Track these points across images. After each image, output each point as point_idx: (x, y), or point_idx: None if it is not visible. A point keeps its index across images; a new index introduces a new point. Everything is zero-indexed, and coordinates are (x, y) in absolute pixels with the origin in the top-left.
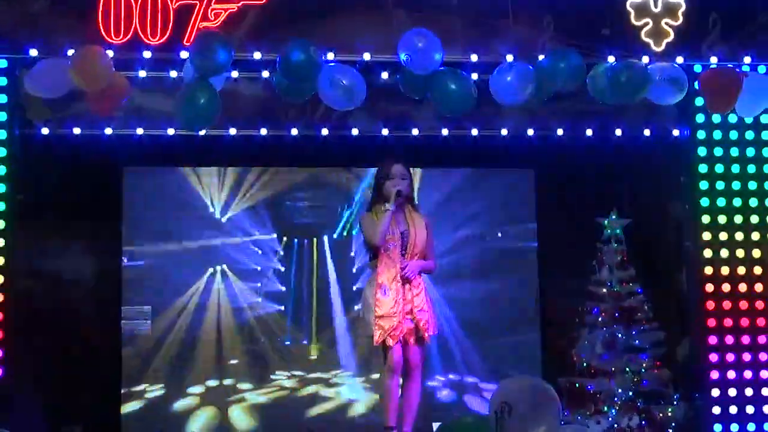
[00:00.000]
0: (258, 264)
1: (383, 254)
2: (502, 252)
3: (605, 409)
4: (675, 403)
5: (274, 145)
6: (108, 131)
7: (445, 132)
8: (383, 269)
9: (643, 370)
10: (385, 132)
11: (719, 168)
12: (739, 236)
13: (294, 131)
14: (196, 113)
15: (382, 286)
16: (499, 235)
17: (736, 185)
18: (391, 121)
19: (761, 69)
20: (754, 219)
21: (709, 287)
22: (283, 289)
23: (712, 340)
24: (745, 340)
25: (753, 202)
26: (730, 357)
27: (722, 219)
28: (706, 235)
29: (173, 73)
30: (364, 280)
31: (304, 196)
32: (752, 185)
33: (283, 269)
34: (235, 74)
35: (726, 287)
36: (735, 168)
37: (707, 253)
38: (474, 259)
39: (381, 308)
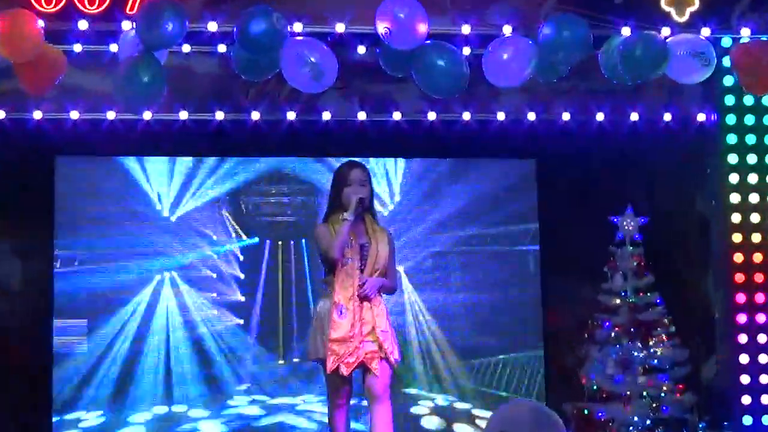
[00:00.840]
0: (214, 270)
1: (340, 270)
2: (498, 256)
3: None
4: None
5: (232, 132)
6: (37, 115)
7: (432, 116)
8: (340, 286)
9: (663, 395)
10: (361, 116)
11: (751, 158)
12: None
13: (255, 115)
14: (139, 92)
15: (339, 306)
16: (495, 236)
17: None
18: (369, 104)
19: None
20: None
21: (740, 297)
22: (243, 299)
23: (744, 359)
24: None
25: None
26: (765, 379)
27: (755, 218)
28: (737, 237)
29: (113, 47)
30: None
31: (267, 190)
32: None
33: (243, 276)
34: (186, 48)
35: (760, 298)
36: None
37: (738, 257)
38: (465, 264)
39: (337, 331)
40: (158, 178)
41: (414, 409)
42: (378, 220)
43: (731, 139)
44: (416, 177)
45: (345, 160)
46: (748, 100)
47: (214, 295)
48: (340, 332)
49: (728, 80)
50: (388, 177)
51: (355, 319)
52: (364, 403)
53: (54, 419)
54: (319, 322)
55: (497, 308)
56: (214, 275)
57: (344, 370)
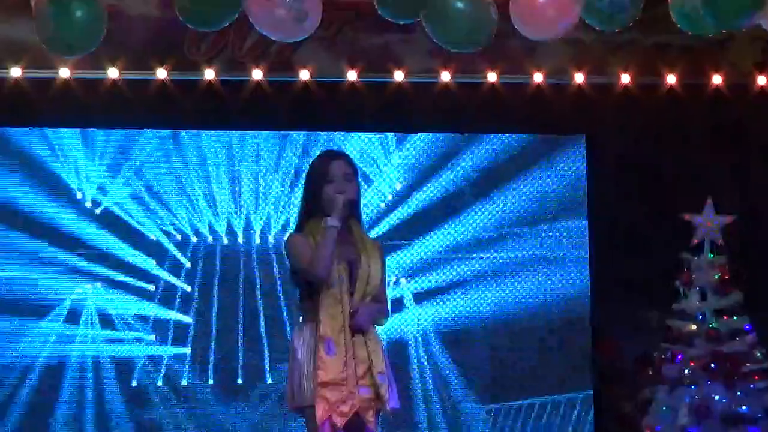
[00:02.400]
0: (151, 281)
1: (326, 293)
2: (534, 265)
3: None
4: None
5: (178, 96)
6: None
7: (445, 77)
8: (326, 315)
9: None
10: (351, 76)
11: None
12: None
13: (209, 74)
14: (72, 30)
15: (327, 341)
16: (528, 238)
17: None
18: (363, 59)
19: None
20: None
21: None
22: (190, 320)
23: None
24: None
25: None
26: None
27: None
28: None
29: None
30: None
31: (226, 174)
32: None
33: (189, 289)
34: None
35: None
36: None
37: None
38: (488, 275)
39: (326, 372)
40: (78, 156)
41: None
42: (365, 229)
43: None
44: (424, 158)
45: (327, 149)
46: None
47: (152, 313)
48: (331, 374)
49: None
50: (387, 158)
51: (348, 356)
52: None
53: None
54: (300, 359)
55: (532, 333)
56: (152, 287)
57: (338, 421)
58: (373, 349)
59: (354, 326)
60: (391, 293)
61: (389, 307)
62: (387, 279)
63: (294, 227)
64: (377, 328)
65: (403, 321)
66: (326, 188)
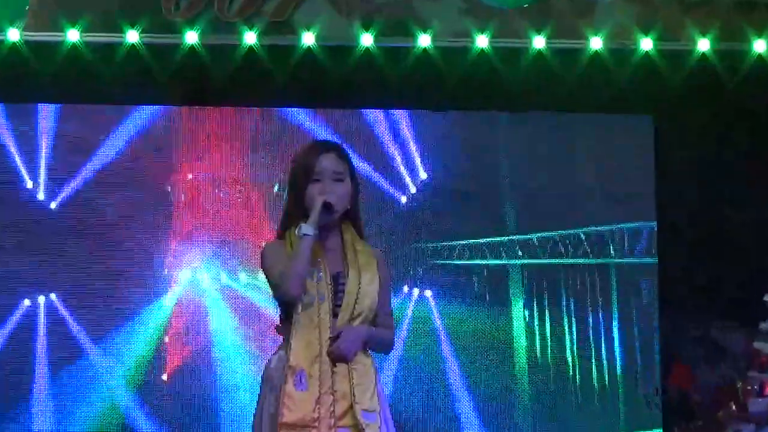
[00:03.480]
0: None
1: (300, 314)
2: (588, 272)
3: None
4: None
5: (153, 63)
6: None
7: (482, 42)
8: (299, 342)
9: None
10: (366, 40)
11: None
12: None
13: (190, 38)
14: None
15: (297, 373)
16: (580, 240)
17: None
18: (379, 20)
19: None
20: None
21: None
22: (167, 340)
23: None
24: None
25: None
26: None
27: None
28: None
29: None
30: None
31: (210, 161)
32: None
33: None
34: None
35: None
36: None
37: None
38: (531, 284)
39: (292, 411)
40: (28, 137)
41: None
42: (365, 236)
43: None
44: (454, 142)
45: (318, 139)
46: None
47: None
48: (298, 412)
49: None
50: (405, 143)
51: (323, 391)
52: None
53: None
54: (270, 395)
55: (586, 359)
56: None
57: None
58: (359, 382)
59: (333, 353)
60: (404, 310)
61: (393, 332)
62: (394, 293)
63: (276, 233)
64: (374, 356)
65: (426, 340)
66: (311, 188)
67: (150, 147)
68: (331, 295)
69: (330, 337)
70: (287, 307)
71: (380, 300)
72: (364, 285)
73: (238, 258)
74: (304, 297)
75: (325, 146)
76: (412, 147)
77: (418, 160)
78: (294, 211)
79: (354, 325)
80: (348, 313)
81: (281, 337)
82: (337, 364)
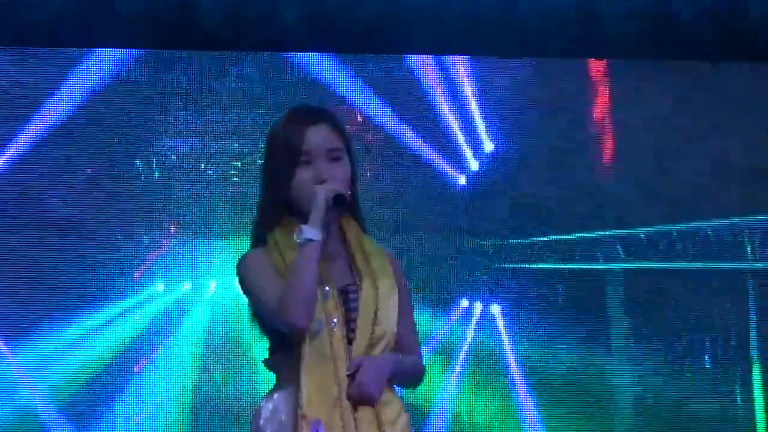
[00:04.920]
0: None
1: (307, 345)
2: (714, 279)
3: None
4: None
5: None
6: None
7: None
8: (310, 382)
9: None
10: None
11: None
12: None
13: None
14: None
15: (313, 425)
16: (709, 236)
17: None
18: None
19: None
20: None
21: None
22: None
23: None
24: None
25: None
26: None
27: None
28: None
29: None
30: None
31: (193, 127)
32: None
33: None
34: None
35: None
36: None
37: None
38: (637, 303)
39: None
40: None
41: None
42: (367, 231)
43: None
44: (533, 99)
45: (298, 105)
46: None
47: None
48: None
49: None
50: (463, 101)
51: None
52: None
53: None
54: None
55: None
56: None
57: None
58: (390, 429)
59: (355, 395)
60: (460, 333)
61: (420, 357)
62: (446, 308)
63: (250, 241)
64: (400, 391)
65: (491, 375)
66: (299, 174)
67: (108, 105)
68: (341, 317)
69: (348, 375)
70: (296, 334)
71: (401, 317)
72: (383, 297)
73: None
74: (312, 324)
75: (312, 116)
76: (473, 107)
77: (481, 127)
78: (275, 209)
79: (375, 355)
80: (365, 339)
81: (275, 374)
82: (358, 408)
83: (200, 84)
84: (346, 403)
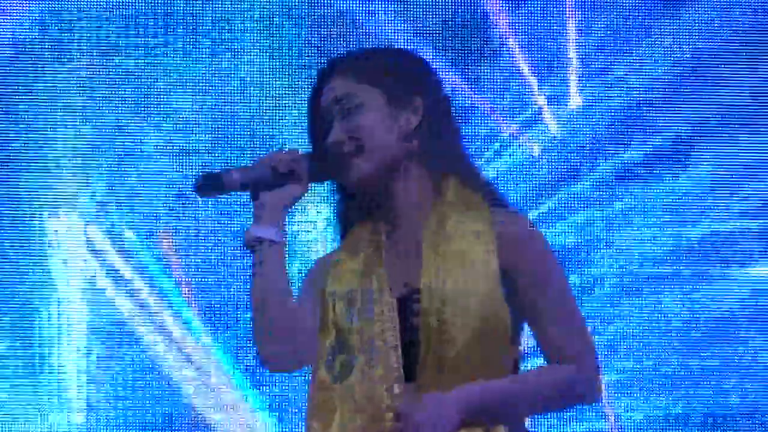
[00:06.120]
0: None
1: (316, 384)
2: None
3: None
4: None
5: None
6: None
7: None
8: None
9: None
10: None
11: None
12: None
13: None
14: None
15: None
16: None
17: None
18: None
19: None
20: None
21: None
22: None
23: None
24: None
25: None
26: None
27: None
28: None
29: None
30: None
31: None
32: None
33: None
34: None
35: None
36: None
37: None
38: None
39: None
40: None
41: None
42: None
43: None
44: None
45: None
46: None
47: None
48: None
49: None
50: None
51: None
52: None
53: None
54: None
55: None
56: None
57: None
58: None
59: None
60: None
61: (588, 364)
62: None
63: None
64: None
65: None
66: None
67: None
68: (396, 337)
69: (391, 419)
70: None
71: (536, 306)
72: (456, 303)
73: None
74: (326, 352)
75: (321, 73)
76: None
77: (570, 75)
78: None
79: (448, 389)
80: (431, 369)
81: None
82: None
83: None
84: None
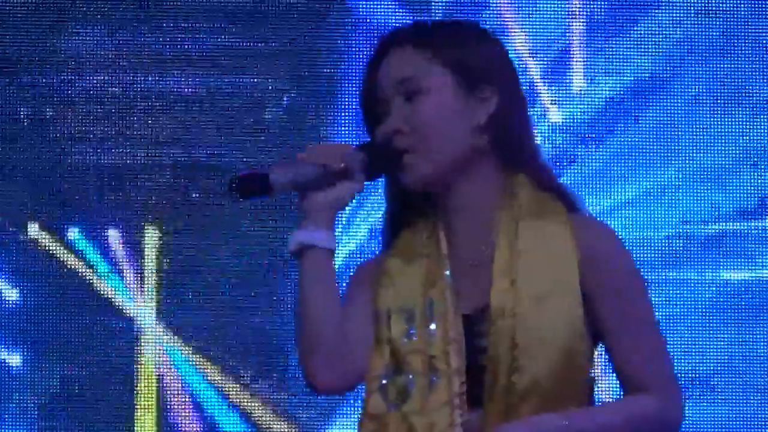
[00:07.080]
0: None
1: (367, 415)
2: None
3: None
4: None
5: None
6: None
7: None
8: None
9: None
10: None
11: None
12: None
13: None
14: None
15: None
16: None
17: None
18: None
19: None
20: None
21: None
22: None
23: None
24: None
25: None
26: None
27: None
28: None
29: None
30: None
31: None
32: None
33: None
34: None
35: None
36: None
37: None
38: None
39: None
40: None
41: None
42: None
43: None
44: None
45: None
46: None
47: None
48: None
49: None
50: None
51: None
52: None
53: None
54: None
55: None
56: None
57: None
58: None
59: None
60: None
61: (665, 396)
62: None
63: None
64: None
65: None
66: (377, 133)
67: None
68: (462, 360)
69: None
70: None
71: (618, 331)
72: (527, 325)
73: None
74: (379, 375)
75: (382, 45)
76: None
77: (576, 53)
78: (388, 195)
79: (518, 419)
80: (500, 396)
81: None
82: None
83: None
84: None
